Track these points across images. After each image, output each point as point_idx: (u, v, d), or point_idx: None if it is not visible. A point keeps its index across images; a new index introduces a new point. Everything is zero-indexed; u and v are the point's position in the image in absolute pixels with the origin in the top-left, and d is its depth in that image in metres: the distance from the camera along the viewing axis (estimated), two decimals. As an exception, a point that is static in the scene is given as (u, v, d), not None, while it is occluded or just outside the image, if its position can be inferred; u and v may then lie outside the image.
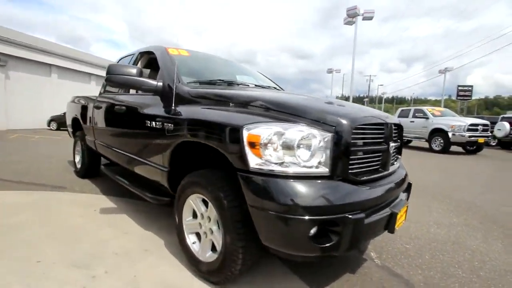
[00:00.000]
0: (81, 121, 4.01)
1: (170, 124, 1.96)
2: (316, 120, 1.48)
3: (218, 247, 1.68)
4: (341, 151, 1.45)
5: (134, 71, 2.18)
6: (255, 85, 2.69)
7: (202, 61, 2.82)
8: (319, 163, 1.43)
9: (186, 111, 1.90)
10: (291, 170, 1.41)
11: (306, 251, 1.38)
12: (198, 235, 1.92)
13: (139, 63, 2.96)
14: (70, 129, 4.72)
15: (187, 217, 1.95)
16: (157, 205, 3.09)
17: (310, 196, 1.35)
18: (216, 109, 1.76)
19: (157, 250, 2.18)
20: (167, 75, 2.25)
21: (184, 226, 1.96)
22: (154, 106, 2.24)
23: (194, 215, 1.94)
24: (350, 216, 1.37)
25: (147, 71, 2.99)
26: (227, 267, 1.62)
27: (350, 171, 1.49)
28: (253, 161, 1.43)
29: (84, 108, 3.94)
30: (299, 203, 1.33)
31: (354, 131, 1.49)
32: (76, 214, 2.82)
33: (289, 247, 1.41)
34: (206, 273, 1.78)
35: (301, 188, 1.36)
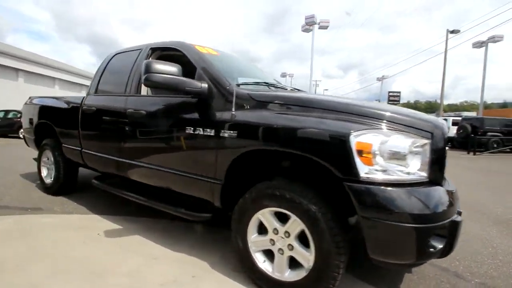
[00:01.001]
0: (55, 127, 3.34)
1: (231, 131, 1.75)
2: (414, 127, 1.49)
3: (307, 264, 1.56)
4: (437, 157, 1.48)
5: (176, 69, 1.90)
6: (291, 88, 2.60)
7: (230, 61, 2.60)
8: (420, 169, 1.44)
9: (258, 117, 1.71)
10: (399, 177, 1.38)
11: (419, 259, 1.37)
12: (267, 252, 1.76)
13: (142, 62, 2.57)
14: (30, 136, 3.89)
15: (252, 234, 1.77)
16: (167, 221, 2.74)
17: (426, 203, 1.35)
18: (300, 115, 1.62)
19: (206, 274, 1.92)
20: (211, 76, 2.02)
21: (249, 244, 1.77)
22: (198, 111, 1.97)
23: (260, 232, 1.77)
24: (457, 220, 1.41)
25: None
26: (322, 284, 1.51)
27: (443, 175, 1.54)
28: (363, 170, 1.37)
29: (61, 112, 3.29)
30: (420, 212, 1.31)
31: (445, 137, 1.54)
32: (77, 241, 2.31)
33: (403, 256, 1.38)
34: None
35: (417, 195, 1.34)
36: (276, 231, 1.68)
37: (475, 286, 1.92)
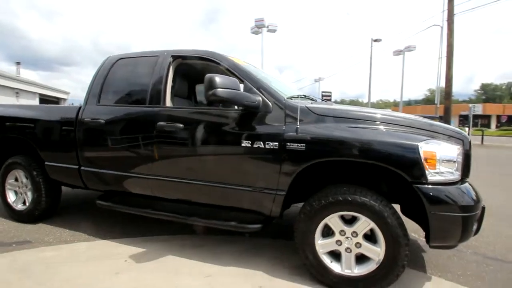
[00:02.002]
0: (33, 142, 2.80)
1: (298, 144, 1.86)
2: (453, 136, 1.86)
3: (377, 257, 1.79)
4: (466, 159, 1.88)
5: (236, 83, 1.90)
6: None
7: (261, 73, 2.63)
8: (457, 169, 1.81)
9: (326, 130, 1.86)
10: (448, 178, 1.73)
11: (464, 240, 1.75)
12: (331, 253, 1.93)
13: (170, 69, 2.43)
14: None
15: (319, 238, 1.92)
16: (189, 236, 2.65)
17: (473, 196, 1.73)
18: (364, 128, 1.84)
19: (271, 283, 1.99)
20: (264, 89, 2.06)
21: (317, 248, 1.91)
22: (256, 124, 2.00)
23: (324, 235, 1.93)
24: (484, 206, 1.84)
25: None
26: (393, 273, 1.76)
27: (469, 173, 1.96)
28: (429, 174, 1.67)
29: (44, 124, 2.78)
30: (474, 203, 1.69)
31: (470, 143, 1.96)
32: (108, 272, 2.06)
33: (455, 239, 1.73)
34: (353, 285, 1.84)
35: (469, 192, 1.72)
36: (343, 232, 1.87)
37: (470, 255, 2.47)
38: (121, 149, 2.45)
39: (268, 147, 1.93)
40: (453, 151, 1.75)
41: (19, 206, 3.02)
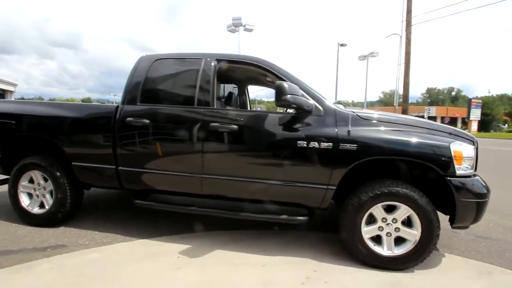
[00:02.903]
0: (59, 142, 2.68)
1: (351, 145, 2.13)
2: (468, 138, 2.29)
3: (413, 239, 2.14)
4: (477, 157, 2.33)
5: (298, 89, 2.11)
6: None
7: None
8: (472, 165, 2.24)
9: (375, 133, 2.16)
10: (468, 172, 2.15)
11: (477, 221, 2.19)
12: (374, 238, 2.24)
13: (216, 73, 2.53)
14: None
15: (364, 226, 2.22)
16: (225, 231, 2.80)
17: (485, 186, 2.16)
18: (403, 131, 2.18)
19: (322, 267, 2.24)
20: (313, 95, 2.29)
21: (363, 234, 2.21)
22: (310, 126, 2.23)
23: (367, 222, 2.24)
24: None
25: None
26: (427, 251, 2.14)
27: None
28: (459, 170, 2.07)
29: (74, 123, 2.68)
30: (487, 192, 2.12)
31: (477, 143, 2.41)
32: (167, 269, 2.13)
33: (472, 221, 2.16)
34: (401, 264, 2.18)
35: (482, 183, 2.15)
36: (384, 219, 2.20)
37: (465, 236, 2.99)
38: (169, 148, 2.49)
39: (323, 147, 2.17)
40: (471, 150, 2.17)
41: (36, 210, 2.84)
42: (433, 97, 71.64)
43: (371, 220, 2.24)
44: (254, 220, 2.65)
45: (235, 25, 17.67)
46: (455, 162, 2.07)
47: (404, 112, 17.73)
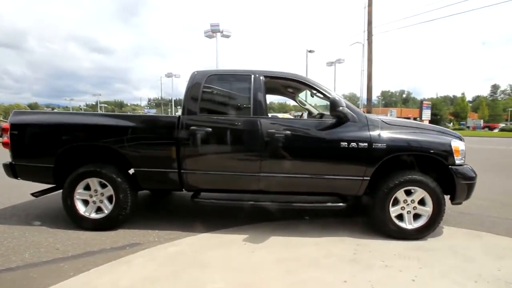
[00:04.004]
0: (121, 150, 2.92)
1: (381, 144, 2.76)
2: (457, 136, 3.06)
3: (427, 214, 2.83)
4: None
5: (344, 102, 2.70)
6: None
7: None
8: (464, 157, 3.01)
9: (398, 134, 2.81)
10: (462, 162, 2.91)
11: (468, 199, 2.94)
12: (397, 216, 2.89)
13: (263, 86, 3.00)
14: (41, 164, 3.01)
15: (391, 207, 2.86)
16: (270, 222, 3.27)
17: (474, 172, 2.93)
18: (417, 132, 2.87)
19: (362, 241, 2.82)
20: (349, 106, 2.88)
21: (390, 213, 2.85)
22: (348, 131, 2.81)
23: (392, 204, 2.88)
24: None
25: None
26: (437, 222, 2.84)
27: None
28: (457, 160, 2.80)
29: (138, 132, 2.97)
30: (475, 176, 2.89)
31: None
32: (243, 252, 2.55)
33: (466, 198, 2.91)
34: (419, 234, 2.83)
35: (472, 170, 2.91)
36: (406, 201, 2.86)
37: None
38: (230, 152, 2.89)
39: (360, 146, 2.77)
40: (463, 145, 2.94)
41: (93, 215, 3.03)
42: (387, 99, 78.33)
43: (395, 202, 2.89)
44: (285, 211, 3.21)
45: (213, 31, 17.97)
46: (454, 154, 2.80)
47: (368, 113, 19.57)
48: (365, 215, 3.42)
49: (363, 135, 2.81)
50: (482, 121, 48.23)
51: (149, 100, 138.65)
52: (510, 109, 60.10)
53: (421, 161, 3.00)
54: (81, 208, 3.03)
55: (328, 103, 2.84)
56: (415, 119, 41.78)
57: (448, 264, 2.39)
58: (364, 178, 2.83)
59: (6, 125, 3.11)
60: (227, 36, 18.76)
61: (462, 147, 2.91)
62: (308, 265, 2.35)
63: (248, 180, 2.90)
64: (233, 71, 3.13)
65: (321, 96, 3.06)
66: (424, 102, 29.93)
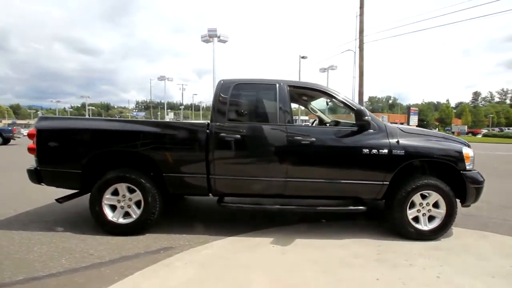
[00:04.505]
0: (154, 156, 3.01)
1: (399, 151, 2.96)
2: (466, 144, 3.30)
3: (440, 216, 3.04)
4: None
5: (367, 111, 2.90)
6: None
7: None
8: (473, 163, 3.25)
9: (414, 141, 3.02)
10: (472, 167, 3.14)
11: (476, 202, 3.18)
12: (413, 219, 3.09)
13: (288, 95, 3.15)
14: (68, 170, 3.05)
15: (409, 209, 3.05)
16: (290, 225, 3.41)
17: (482, 176, 3.17)
18: (434, 140, 3.09)
19: (382, 241, 3.00)
20: (371, 116, 3.07)
21: (408, 215, 3.04)
22: (370, 138, 2.99)
23: (409, 207, 3.08)
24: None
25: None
26: (450, 223, 3.05)
27: None
28: (467, 166, 3.04)
29: (169, 139, 3.07)
30: (483, 180, 3.13)
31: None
32: (275, 254, 2.67)
33: (474, 201, 3.15)
34: (434, 235, 3.03)
35: (480, 174, 3.15)
36: (421, 204, 3.07)
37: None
38: (257, 158, 3.02)
39: (381, 153, 2.96)
40: (472, 152, 3.18)
41: (121, 220, 3.07)
42: (374, 105, 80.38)
43: (411, 205, 3.09)
44: (302, 215, 3.38)
45: (210, 36, 18.09)
46: (465, 160, 3.04)
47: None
48: (376, 218, 3.63)
49: (383, 142, 3.00)
50: (466, 127, 50.31)
51: (137, 102, 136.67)
52: (491, 115, 63.18)
53: (433, 167, 3.23)
54: (109, 213, 3.06)
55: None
56: (401, 123, 43.41)
57: (465, 262, 2.60)
58: (384, 182, 3.01)
59: (32, 130, 3.12)
60: (224, 41, 18.90)
61: (471, 154, 3.15)
62: (339, 265, 2.50)
63: (274, 185, 3.03)
64: (258, 80, 3.27)
65: (341, 105, 3.25)
66: (411, 108, 31.02)
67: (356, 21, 20.68)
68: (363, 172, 3.02)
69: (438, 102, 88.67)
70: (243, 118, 3.14)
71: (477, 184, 3.08)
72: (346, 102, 3.13)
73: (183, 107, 58.40)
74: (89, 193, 3.24)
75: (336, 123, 3.76)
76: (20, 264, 2.41)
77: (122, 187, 3.06)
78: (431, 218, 3.10)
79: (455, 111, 67.37)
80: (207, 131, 3.01)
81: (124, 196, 3.08)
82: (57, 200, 3.25)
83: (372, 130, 3.04)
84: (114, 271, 2.31)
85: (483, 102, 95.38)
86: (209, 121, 3.10)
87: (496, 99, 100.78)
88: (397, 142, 3.00)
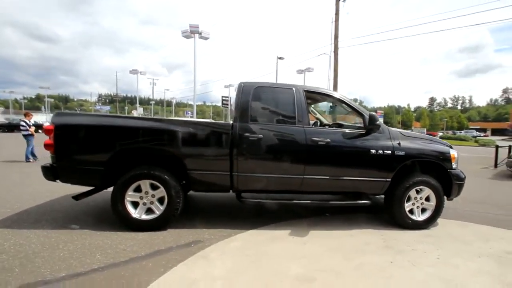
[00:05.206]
0: (177, 154, 3.10)
1: (401, 152, 3.38)
2: (450, 146, 3.84)
3: (431, 208, 3.53)
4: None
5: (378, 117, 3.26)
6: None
7: None
8: (457, 162, 3.79)
9: (413, 144, 3.45)
10: (456, 166, 3.68)
11: (457, 196, 3.73)
12: (409, 211, 3.54)
13: (304, 99, 3.42)
14: (90, 167, 3.03)
15: (406, 202, 3.50)
16: (304, 219, 3.71)
17: (463, 174, 3.72)
18: (427, 142, 3.55)
19: (384, 231, 3.40)
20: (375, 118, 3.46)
21: (405, 207, 3.48)
22: (376, 140, 3.37)
23: (406, 200, 3.53)
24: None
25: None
26: (439, 214, 3.56)
27: None
28: (453, 165, 3.56)
29: (197, 138, 3.16)
30: (465, 177, 3.68)
31: None
32: (297, 244, 2.93)
33: (457, 195, 3.69)
34: (426, 224, 3.51)
35: (462, 172, 3.70)
36: (416, 198, 3.53)
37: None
38: (278, 156, 3.24)
39: (385, 153, 3.36)
40: (456, 153, 3.72)
41: (144, 216, 3.12)
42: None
43: (408, 199, 3.54)
44: (308, 209, 3.73)
45: (192, 32, 17.73)
46: (452, 161, 3.56)
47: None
48: (373, 211, 4.07)
49: (388, 144, 3.41)
50: (425, 129, 54.97)
51: (100, 96, 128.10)
52: (445, 119, 69.75)
53: (424, 166, 3.72)
54: (131, 210, 3.10)
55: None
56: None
57: (455, 246, 3.08)
58: (387, 179, 3.42)
59: (49, 126, 3.02)
60: (206, 38, 18.65)
61: (456, 155, 3.69)
62: (355, 252, 2.83)
63: (292, 181, 3.29)
64: (276, 84, 3.51)
65: (350, 110, 3.60)
66: (378, 111, 33.44)
67: (332, 27, 21.56)
68: (370, 170, 3.40)
69: (399, 106, 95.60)
70: (264, 119, 3.35)
71: (460, 181, 3.63)
72: (357, 108, 3.49)
73: (153, 102, 56.00)
74: (101, 191, 3.26)
75: (339, 125, 4.13)
76: (53, 262, 2.40)
77: (145, 184, 3.11)
78: (423, 210, 3.59)
79: (414, 114, 73.34)
80: (232, 131, 3.18)
81: (147, 192, 3.13)
82: (74, 197, 3.19)
83: (378, 133, 3.43)
84: (155, 264, 2.41)
85: (438, 107, 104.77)
86: (232, 122, 3.27)
87: (449, 105, 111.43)
88: (399, 144, 3.43)
